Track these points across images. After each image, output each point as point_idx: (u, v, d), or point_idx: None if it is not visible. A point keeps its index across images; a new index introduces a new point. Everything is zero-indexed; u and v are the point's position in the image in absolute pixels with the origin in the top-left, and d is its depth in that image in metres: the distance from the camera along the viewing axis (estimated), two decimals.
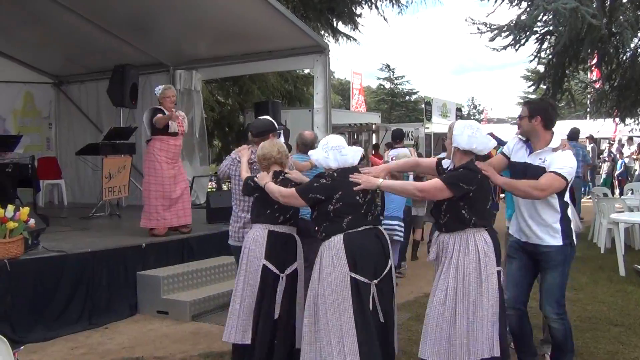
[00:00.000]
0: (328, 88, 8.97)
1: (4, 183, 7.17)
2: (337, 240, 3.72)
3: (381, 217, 7.34)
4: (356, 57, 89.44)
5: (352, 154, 3.87)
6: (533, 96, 35.83)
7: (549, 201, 3.84)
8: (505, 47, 11.73)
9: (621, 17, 11.05)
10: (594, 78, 15.73)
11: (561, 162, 3.77)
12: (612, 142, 21.01)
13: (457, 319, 3.49)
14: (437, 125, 22.06)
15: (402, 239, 7.34)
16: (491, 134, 10.63)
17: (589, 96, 15.65)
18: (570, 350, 4.07)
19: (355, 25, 16.34)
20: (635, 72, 11.62)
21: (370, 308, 3.66)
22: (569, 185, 3.86)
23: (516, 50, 11.73)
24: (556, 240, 3.86)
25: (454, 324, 3.50)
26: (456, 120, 22.12)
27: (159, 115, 6.85)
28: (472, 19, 11.62)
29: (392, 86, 49.20)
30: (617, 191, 16.69)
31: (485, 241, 3.57)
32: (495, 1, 11.80)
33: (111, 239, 6.79)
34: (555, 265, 3.91)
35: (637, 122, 14.73)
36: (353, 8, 15.98)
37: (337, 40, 16.51)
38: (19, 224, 5.18)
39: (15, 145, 8.23)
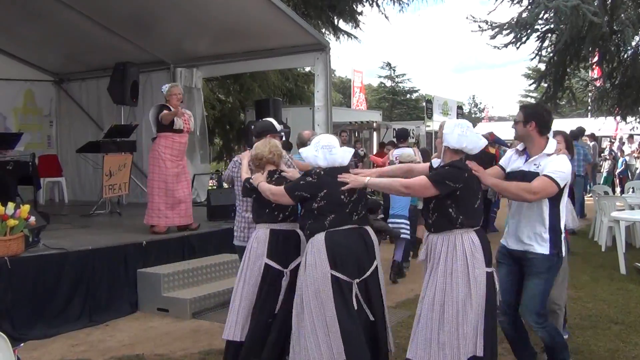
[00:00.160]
0: (329, 86, 8.96)
1: (5, 181, 7.19)
2: (320, 238, 3.76)
3: (382, 216, 7.43)
4: (357, 55, 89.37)
5: (342, 154, 3.91)
6: (534, 94, 35.88)
7: (539, 209, 3.80)
8: (506, 45, 11.74)
9: (622, 15, 11.04)
10: (595, 76, 15.69)
11: (554, 166, 3.73)
12: (613, 140, 20.98)
13: (446, 322, 3.46)
14: (438, 123, 21.97)
15: (408, 237, 7.38)
16: (491, 134, 10.58)
17: (590, 94, 15.64)
18: (563, 348, 4.00)
19: (356, 23, 16.32)
20: (636, 70, 11.61)
21: (356, 307, 3.69)
22: (564, 189, 3.82)
23: (517, 48, 11.74)
24: (543, 249, 3.81)
25: (442, 327, 3.47)
26: (457, 118, 22.17)
27: (165, 111, 6.87)
28: (473, 17, 11.63)
29: (393, 84, 49.19)
30: (618, 189, 16.67)
31: (473, 242, 3.53)
32: None
33: (112, 237, 6.80)
34: (538, 272, 3.83)
35: (638, 120, 14.72)
36: (354, 6, 15.94)
37: (338, 38, 16.49)
38: (20, 222, 5.19)
39: (16, 143, 8.25)
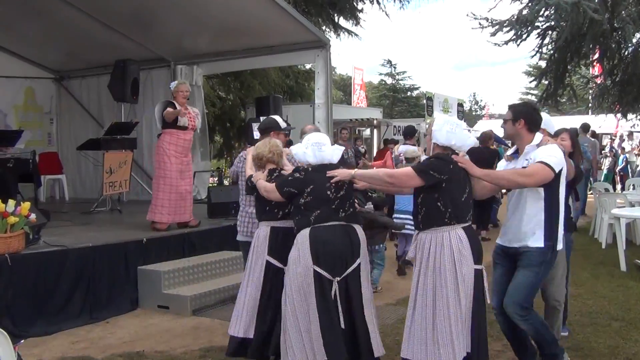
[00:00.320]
0: (329, 83, 8.96)
1: (6, 178, 7.20)
2: (304, 233, 3.83)
3: (383, 211, 7.43)
4: (358, 52, 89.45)
5: (331, 152, 3.98)
6: (535, 92, 35.83)
7: (535, 201, 3.78)
8: (506, 42, 11.70)
9: (623, 12, 11.02)
10: (596, 73, 15.67)
11: (545, 152, 3.71)
12: (613, 137, 20.97)
13: (438, 321, 3.45)
14: None
15: (413, 232, 7.37)
16: (491, 132, 10.58)
17: (590, 91, 15.60)
18: (551, 342, 3.92)
19: (356, 21, 16.30)
20: (637, 68, 11.58)
21: (340, 307, 3.73)
22: (560, 177, 3.78)
23: (518, 45, 11.72)
24: (537, 242, 3.77)
25: (435, 326, 3.46)
26: (458, 116, 22.17)
27: (169, 109, 6.89)
28: (474, 14, 11.58)
29: (393, 81, 49.13)
30: (618, 186, 16.67)
31: (460, 239, 3.52)
32: None
33: (112, 234, 6.81)
34: (529, 264, 3.79)
35: (638, 117, 14.70)
36: (354, 3, 15.93)
37: (339, 35, 16.48)
38: (20, 219, 5.19)
39: (16, 141, 8.24)
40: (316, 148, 3.94)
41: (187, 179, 7.25)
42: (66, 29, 9.64)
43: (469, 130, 3.85)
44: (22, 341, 4.54)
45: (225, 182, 11.37)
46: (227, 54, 10.07)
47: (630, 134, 19.22)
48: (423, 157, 7.51)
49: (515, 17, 11.33)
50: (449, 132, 3.60)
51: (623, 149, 18.79)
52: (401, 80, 49.24)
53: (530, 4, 11.20)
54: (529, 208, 3.81)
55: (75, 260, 5.81)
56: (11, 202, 5.14)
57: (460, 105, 24.40)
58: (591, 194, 12.04)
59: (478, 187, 3.81)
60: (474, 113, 54.12)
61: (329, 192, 3.85)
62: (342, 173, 3.87)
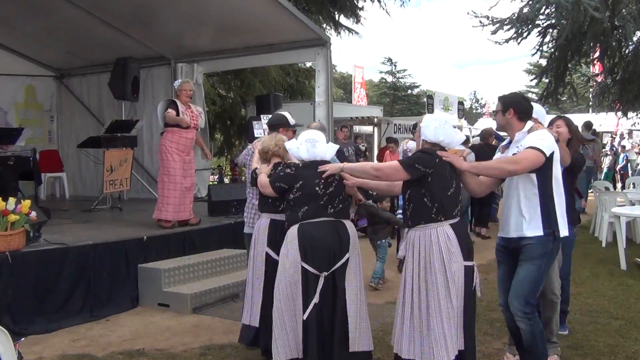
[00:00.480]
0: (330, 81, 8.96)
1: (6, 176, 7.18)
2: (293, 229, 3.89)
3: (384, 204, 7.42)
4: (358, 50, 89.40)
5: (324, 149, 4.04)
6: (535, 90, 35.78)
7: (529, 188, 3.72)
8: (507, 41, 11.71)
9: (624, 10, 11.02)
10: (596, 71, 15.68)
11: (534, 137, 3.68)
12: (614, 135, 20.97)
13: (431, 319, 3.45)
14: None
15: None
16: (491, 129, 10.54)
17: (591, 90, 15.59)
18: (541, 355, 3.81)
19: (357, 19, 16.29)
20: (637, 66, 11.59)
21: (317, 300, 3.77)
22: (553, 160, 3.71)
23: (518, 43, 11.72)
24: (535, 231, 3.70)
25: (428, 324, 3.46)
26: (458, 114, 22.16)
27: (171, 111, 6.93)
28: (474, 12, 11.60)
29: (394, 80, 49.03)
30: (619, 185, 16.66)
31: (448, 236, 3.51)
32: None
33: (112, 232, 6.81)
34: (531, 257, 3.70)
35: (639, 115, 14.69)
36: (355, 1, 15.92)
37: (339, 33, 16.47)
38: (21, 217, 5.20)
39: (17, 138, 8.23)
40: (310, 144, 3.99)
41: (188, 177, 7.27)
42: (67, 27, 9.64)
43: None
44: (23, 339, 4.57)
45: (226, 180, 11.37)
46: (227, 52, 10.06)
47: (631, 132, 19.22)
48: None
49: (516, 15, 11.33)
50: (437, 128, 3.62)
51: (623, 147, 18.79)
52: (402, 78, 49.14)
53: (530, 2, 11.21)
54: (523, 195, 3.76)
55: (76, 258, 5.81)
56: (11, 200, 5.14)
57: (460, 103, 24.37)
58: (591, 192, 12.03)
59: (474, 184, 3.81)
60: (474, 111, 54.12)
61: (317, 189, 3.89)
62: (332, 167, 3.92)
